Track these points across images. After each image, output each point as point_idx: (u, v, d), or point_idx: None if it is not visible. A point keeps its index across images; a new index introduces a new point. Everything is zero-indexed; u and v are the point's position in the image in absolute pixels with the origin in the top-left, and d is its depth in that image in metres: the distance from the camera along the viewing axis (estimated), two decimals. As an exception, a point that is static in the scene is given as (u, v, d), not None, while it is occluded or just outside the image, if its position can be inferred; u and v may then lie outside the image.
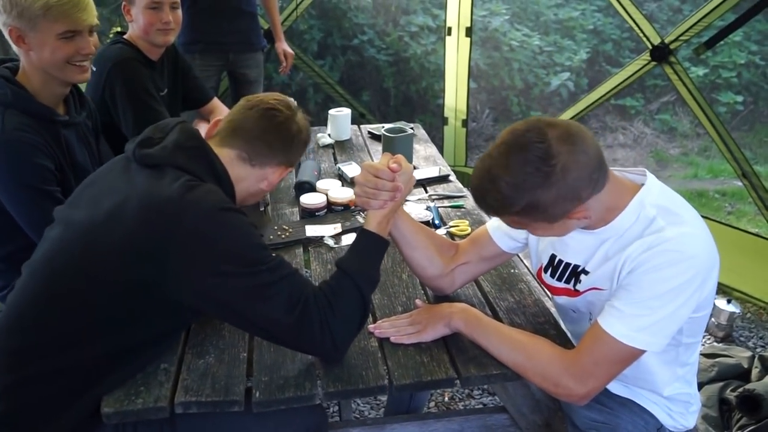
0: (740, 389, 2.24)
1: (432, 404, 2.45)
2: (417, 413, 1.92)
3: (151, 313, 1.24)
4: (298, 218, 1.97)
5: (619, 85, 3.36)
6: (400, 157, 1.38)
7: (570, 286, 1.38)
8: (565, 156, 1.15)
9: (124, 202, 1.23)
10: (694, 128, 5.41)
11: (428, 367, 1.30)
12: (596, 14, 5.77)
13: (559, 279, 1.40)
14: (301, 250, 1.78)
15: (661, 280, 1.18)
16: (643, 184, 1.28)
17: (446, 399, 2.48)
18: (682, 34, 3.00)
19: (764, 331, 2.91)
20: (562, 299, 1.43)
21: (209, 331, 1.41)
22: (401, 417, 1.72)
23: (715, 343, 2.79)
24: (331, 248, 1.79)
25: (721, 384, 2.35)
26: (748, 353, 2.53)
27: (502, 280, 1.63)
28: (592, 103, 3.52)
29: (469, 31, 3.63)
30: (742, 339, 2.85)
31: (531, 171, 1.15)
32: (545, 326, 1.45)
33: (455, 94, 3.79)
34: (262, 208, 1.80)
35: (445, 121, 3.89)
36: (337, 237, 1.83)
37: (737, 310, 2.83)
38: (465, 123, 3.85)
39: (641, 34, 3.15)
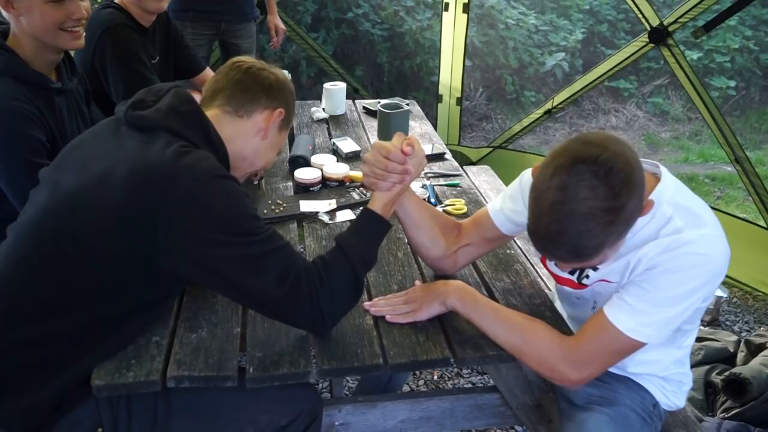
0: (726, 373, 2.26)
1: (421, 382, 2.46)
2: (395, 393, 1.91)
3: (141, 281, 1.22)
4: (292, 193, 1.94)
5: (615, 66, 3.33)
6: (413, 138, 1.35)
7: (574, 278, 1.38)
8: (625, 196, 1.09)
9: (114, 167, 1.19)
10: (686, 112, 5.41)
11: (424, 347, 1.29)
12: (593, -6, 5.69)
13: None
14: (296, 225, 1.76)
15: (679, 282, 1.18)
16: (657, 179, 1.26)
17: (435, 377, 2.49)
18: (681, 16, 2.98)
19: (750, 315, 2.94)
20: (567, 288, 1.42)
21: (202, 305, 1.39)
22: (393, 395, 1.72)
23: (701, 327, 2.82)
24: (326, 224, 1.76)
25: (707, 367, 2.38)
26: (734, 337, 2.55)
27: (498, 260, 1.62)
28: (588, 85, 3.50)
29: (466, 7, 3.57)
30: (728, 323, 2.88)
31: (599, 227, 1.09)
32: (541, 308, 1.44)
33: (450, 72, 3.75)
34: (255, 182, 1.77)
35: (439, 98, 3.85)
36: (331, 213, 1.81)
37: (724, 295, 2.86)
38: (459, 101, 3.82)
39: (640, 16, 3.12)
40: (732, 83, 5.37)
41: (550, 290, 1.70)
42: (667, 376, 1.41)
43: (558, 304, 1.55)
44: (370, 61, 4.50)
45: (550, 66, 5.06)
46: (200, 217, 1.15)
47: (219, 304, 1.40)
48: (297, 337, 1.30)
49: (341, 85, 2.66)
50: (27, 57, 1.65)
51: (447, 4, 3.60)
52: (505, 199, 1.46)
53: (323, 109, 2.63)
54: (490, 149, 3.86)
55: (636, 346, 1.21)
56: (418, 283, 1.49)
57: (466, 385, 2.47)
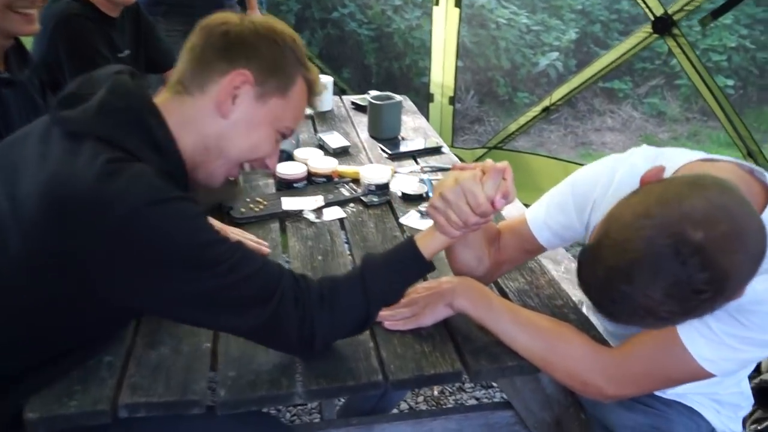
0: (756, 380, 2.06)
1: (420, 399, 2.24)
2: (393, 413, 1.69)
3: (84, 321, 0.99)
4: (274, 191, 1.73)
5: (619, 57, 3.16)
6: (508, 187, 1.03)
7: None
8: (720, 281, 0.85)
9: (32, 186, 0.93)
10: (683, 112, 5.28)
11: (430, 359, 1.08)
12: (584, -6, 5.57)
13: None
14: (278, 225, 1.55)
15: None
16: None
17: (436, 393, 2.27)
18: (686, 4, 2.82)
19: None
20: None
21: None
22: (392, 416, 1.51)
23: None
24: (312, 223, 1.56)
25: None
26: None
27: (510, 258, 1.41)
28: (589, 79, 3.33)
29: (458, 2, 3.40)
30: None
31: (683, 308, 0.88)
32: (564, 310, 1.24)
33: (442, 69, 3.57)
34: (232, 177, 1.56)
35: (430, 98, 3.67)
36: (318, 211, 1.60)
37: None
38: (452, 101, 3.63)
39: (643, 5, 2.96)
40: (730, 82, 5.24)
41: (575, 295, 1.49)
42: (723, 399, 1.20)
43: (591, 316, 1.34)
44: (358, 62, 4.33)
45: (544, 66, 4.90)
46: (141, 257, 0.90)
47: (186, 314, 1.18)
48: (279, 353, 1.08)
49: (327, 79, 2.46)
50: None
51: (438, -1, 3.43)
52: (550, 209, 1.20)
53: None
54: (485, 150, 3.68)
55: (702, 377, 1.01)
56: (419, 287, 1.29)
57: (469, 401, 2.25)
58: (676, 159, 1.06)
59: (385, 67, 4.31)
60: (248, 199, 1.62)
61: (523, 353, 1.09)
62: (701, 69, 2.85)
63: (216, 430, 1.06)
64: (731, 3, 2.73)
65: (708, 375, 1.00)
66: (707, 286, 0.83)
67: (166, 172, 0.97)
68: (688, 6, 2.82)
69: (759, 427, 1.97)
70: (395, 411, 1.93)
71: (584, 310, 1.35)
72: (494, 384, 2.30)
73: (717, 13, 2.73)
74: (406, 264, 1.08)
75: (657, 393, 1.20)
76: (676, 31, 2.86)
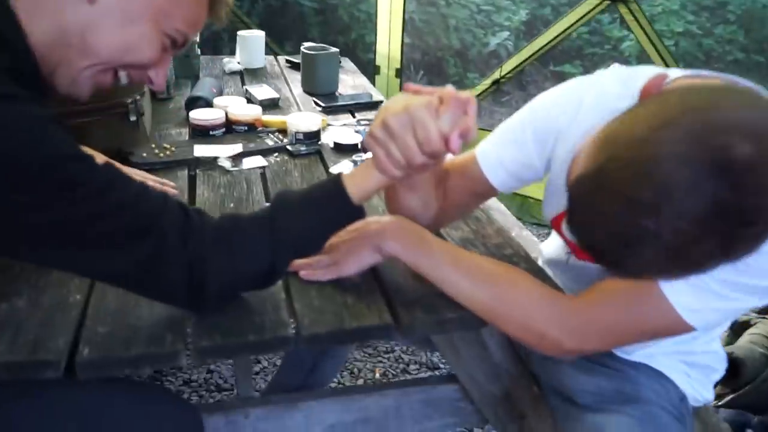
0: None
1: (360, 382, 2.05)
2: (322, 389, 1.48)
3: None
4: (187, 138, 1.51)
5: (572, 26, 3.05)
6: (469, 124, 0.81)
7: None
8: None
9: None
10: (632, 98, 5.24)
11: (353, 310, 0.89)
12: (535, -23, 5.47)
13: None
14: (186, 173, 1.33)
15: None
16: None
17: (377, 375, 2.08)
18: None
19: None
20: (591, 265, 0.99)
21: (29, 264, 0.95)
22: (319, 392, 1.32)
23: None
24: (227, 171, 1.34)
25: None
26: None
27: (453, 207, 1.23)
28: (540, 49, 3.20)
29: (404, -33, 3.22)
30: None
31: (725, 246, 0.66)
32: (514, 259, 1.07)
33: (388, 41, 3.39)
34: (133, 118, 1.34)
35: (376, 70, 3.48)
36: (236, 159, 1.39)
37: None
38: (399, 73, 3.45)
39: (596, -31, 2.84)
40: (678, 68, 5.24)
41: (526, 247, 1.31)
42: (695, 360, 1.04)
43: (548, 269, 1.17)
44: (301, 37, 4.08)
45: (494, 46, 4.77)
46: None
47: (56, 264, 0.96)
48: (167, 305, 0.87)
49: (259, 33, 2.25)
50: None
51: (383, -36, 3.24)
52: (504, 145, 1.02)
53: (238, 62, 2.21)
54: (434, 126, 3.51)
55: (680, 330, 0.83)
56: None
57: (414, 383, 2.08)
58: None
59: (329, 42, 4.08)
60: (153, 145, 1.39)
61: (467, 303, 0.90)
62: (654, 38, 2.75)
63: (81, 405, 0.85)
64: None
65: (688, 328, 0.83)
66: (759, 215, 0.63)
67: (12, 71, 0.74)
68: (642, -29, 2.72)
69: (720, 403, 1.86)
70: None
71: (540, 262, 1.18)
72: (441, 365, 2.13)
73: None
74: (328, 206, 0.86)
75: (621, 354, 1.04)
76: (629, -3, 2.76)
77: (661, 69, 0.91)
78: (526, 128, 1.00)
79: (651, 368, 1.04)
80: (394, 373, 2.11)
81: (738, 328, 2.16)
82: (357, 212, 0.88)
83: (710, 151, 0.62)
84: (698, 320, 0.82)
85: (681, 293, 0.81)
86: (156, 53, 0.85)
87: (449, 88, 0.82)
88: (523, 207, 2.99)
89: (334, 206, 0.86)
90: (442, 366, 2.13)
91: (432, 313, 0.90)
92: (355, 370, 2.09)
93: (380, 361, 2.14)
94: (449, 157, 1.00)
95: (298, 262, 0.94)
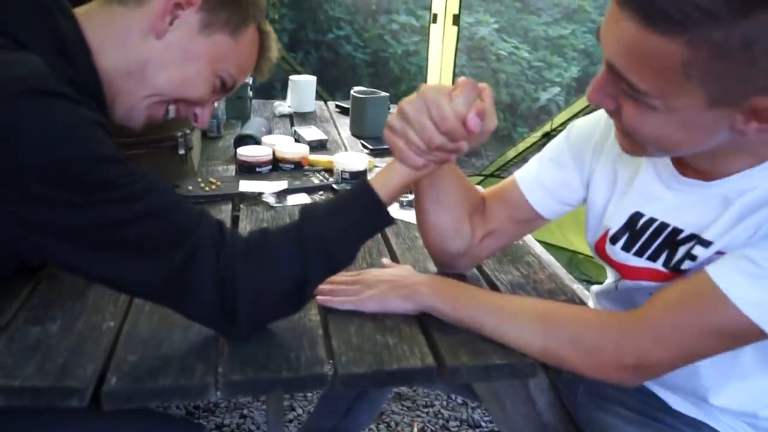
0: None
1: (397, 436, 1.96)
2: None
3: None
4: (233, 174, 1.51)
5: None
6: (486, 103, 0.81)
7: (659, 265, 0.88)
8: None
9: None
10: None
11: (394, 352, 0.83)
12: (587, 35, 5.50)
13: (641, 253, 0.90)
14: (230, 207, 1.32)
15: None
16: None
17: (415, 430, 1.99)
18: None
19: None
20: (643, 284, 0.91)
21: (66, 288, 0.93)
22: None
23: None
24: (271, 207, 1.32)
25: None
26: None
27: (502, 251, 1.17)
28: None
29: (456, 19, 3.25)
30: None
31: None
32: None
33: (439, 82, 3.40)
34: (182, 151, 1.34)
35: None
36: (280, 195, 1.37)
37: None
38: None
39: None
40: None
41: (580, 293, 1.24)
42: (761, 425, 0.93)
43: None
44: (352, 87, 4.18)
45: (545, 101, 4.76)
46: (5, 160, 0.67)
47: (95, 288, 0.94)
48: (201, 333, 0.84)
49: (310, 78, 2.28)
50: None
51: (435, 16, 3.28)
52: (543, 165, 0.99)
53: (288, 106, 2.23)
54: (482, 177, 3.47)
55: (749, 333, 0.74)
56: (385, 261, 1.05)
57: (454, 441, 1.97)
58: None
59: (380, 93, 4.17)
60: (199, 179, 1.39)
61: (514, 343, 0.84)
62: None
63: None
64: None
65: (753, 328, 0.73)
66: None
67: (76, 85, 0.76)
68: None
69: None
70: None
71: (591, 303, 1.11)
72: (483, 423, 2.02)
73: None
74: (355, 205, 0.82)
75: (681, 411, 0.95)
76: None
77: None
78: (563, 148, 0.99)
79: (710, 428, 0.94)
80: (433, 429, 2.01)
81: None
82: (386, 215, 0.83)
83: None
84: (762, 316, 0.72)
85: (738, 286, 0.73)
86: (208, 92, 0.91)
87: (463, 78, 0.82)
88: (572, 262, 2.89)
89: (360, 204, 0.83)
90: (483, 424, 2.02)
91: (478, 358, 0.83)
92: (393, 423, 2.00)
93: (418, 416, 2.05)
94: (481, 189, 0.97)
95: (322, 286, 0.89)
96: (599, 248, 0.98)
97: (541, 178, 0.99)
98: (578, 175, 0.97)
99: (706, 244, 0.81)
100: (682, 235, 0.85)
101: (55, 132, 0.68)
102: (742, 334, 0.74)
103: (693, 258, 0.83)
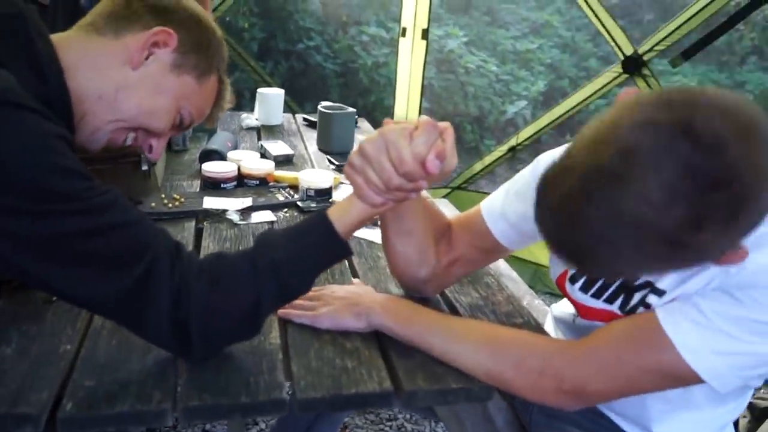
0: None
1: (360, 451, 1.97)
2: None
3: None
4: (198, 190, 1.50)
5: (587, 99, 3.07)
6: (445, 145, 0.81)
7: (615, 308, 0.91)
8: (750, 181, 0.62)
9: None
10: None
11: (353, 376, 0.84)
12: (553, 50, 5.59)
13: (598, 295, 0.93)
14: (193, 224, 1.31)
15: None
16: None
17: (379, 444, 2.00)
18: (656, 44, 2.74)
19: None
20: (598, 324, 0.93)
21: (23, 309, 0.92)
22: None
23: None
24: (236, 224, 1.32)
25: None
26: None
27: (463, 272, 1.19)
28: (556, 119, 3.22)
29: (425, 33, 3.30)
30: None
31: (694, 214, 0.62)
32: (524, 329, 1.02)
33: (407, 104, 3.44)
34: (145, 167, 1.33)
35: (393, 132, 3.51)
36: (244, 212, 1.37)
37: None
38: (416, 136, 3.48)
39: (613, 44, 2.88)
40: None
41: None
42: None
43: (550, 332, 1.13)
44: (321, 98, 4.16)
45: (512, 114, 4.82)
46: None
47: (53, 310, 0.93)
48: (159, 358, 0.84)
49: (278, 91, 2.28)
50: None
51: (405, 29, 3.32)
52: (508, 198, 1.01)
53: (256, 119, 2.23)
54: (448, 190, 3.51)
55: (686, 377, 0.77)
56: (355, 281, 1.07)
57: (416, 455, 1.99)
58: None
59: (349, 103, 4.15)
60: (163, 195, 1.38)
61: (469, 368, 0.86)
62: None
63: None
64: (702, 43, 2.66)
65: (692, 374, 0.76)
66: (730, 175, 0.59)
67: (45, 101, 0.77)
68: (659, 46, 2.74)
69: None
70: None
71: (548, 321, 1.14)
72: (445, 436, 2.04)
73: (688, 54, 2.65)
74: (311, 234, 0.84)
75: (627, 430, 0.98)
76: (646, 71, 2.77)
77: None
78: (529, 181, 0.99)
79: None
80: (396, 441, 2.02)
81: (759, 414, 2.06)
82: (342, 245, 0.85)
83: (677, 119, 0.60)
84: (700, 363, 0.76)
85: (682, 331, 0.76)
86: (168, 125, 0.95)
87: (424, 117, 0.83)
88: (536, 275, 2.94)
89: (317, 236, 0.84)
90: (447, 438, 2.04)
91: (435, 383, 0.85)
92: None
93: (382, 429, 2.06)
94: (451, 213, 0.98)
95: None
96: (560, 284, 1.01)
97: (505, 211, 1.00)
98: None
99: (659, 293, 0.84)
100: (637, 282, 0.87)
101: (21, 143, 0.69)
102: (680, 376, 0.77)
103: (647, 306, 0.86)
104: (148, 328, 0.77)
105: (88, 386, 0.79)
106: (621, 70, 2.86)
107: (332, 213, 0.84)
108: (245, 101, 4.11)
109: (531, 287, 2.14)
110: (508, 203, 1.00)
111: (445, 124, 0.82)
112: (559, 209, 0.67)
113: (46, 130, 0.73)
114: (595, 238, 0.65)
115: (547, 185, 0.70)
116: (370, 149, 0.80)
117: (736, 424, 1.14)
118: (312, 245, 0.83)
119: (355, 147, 0.86)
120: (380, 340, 0.93)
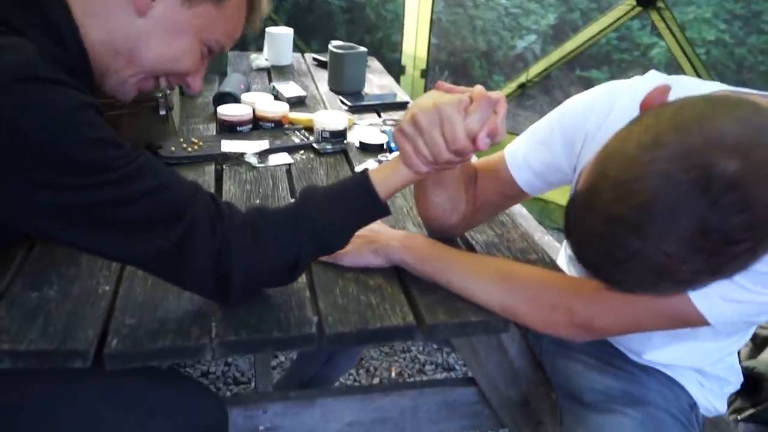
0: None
1: (376, 380, 2.06)
2: (340, 387, 1.48)
3: None
4: (214, 134, 1.52)
5: (600, 32, 3.02)
6: (498, 124, 0.82)
7: None
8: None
9: None
10: (659, 104, 5.18)
11: (377, 311, 0.89)
12: (564, -20, 5.43)
13: None
14: (213, 167, 1.34)
15: None
16: None
17: (393, 374, 2.09)
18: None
19: None
20: None
21: (59, 255, 0.97)
22: (338, 390, 1.32)
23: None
24: (254, 167, 1.35)
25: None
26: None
27: (478, 211, 1.23)
28: (568, 54, 3.18)
29: (433, -34, 3.22)
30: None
31: (712, 265, 0.65)
32: (539, 265, 1.06)
33: (415, 41, 3.39)
34: (163, 112, 1.35)
35: (402, 70, 3.48)
36: (262, 155, 1.40)
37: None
38: (424, 73, 3.45)
39: (626, -25, 2.82)
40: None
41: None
42: (709, 371, 1.03)
43: (573, 272, 1.17)
44: (328, 34, 4.11)
45: (521, 49, 4.74)
46: (4, 147, 0.69)
47: (85, 255, 0.98)
48: (194, 298, 0.89)
49: (287, 31, 2.26)
50: None
51: (412, -37, 3.24)
52: (532, 145, 1.01)
53: (266, 59, 2.22)
54: (458, 128, 3.50)
55: (693, 320, 0.81)
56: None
57: (430, 385, 2.08)
58: (691, 88, 0.83)
59: (356, 41, 4.09)
60: (182, 140, 1.41)
61: (486, 302, 0.91)
62: (687, 48, 2.72)
63: (113, 391, 0.86)
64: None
65: (701, 319, 0.80)
66: (746, 233, 0.61)
67: (65, 65, 0.77)
68: (674, -23, 2.68)
69: (739, 417, 1.83)
70: (339, 384, 1.74)
71: (562, 264, 1.18)
72: (457, 366, 2.13)
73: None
74: (354, 199, 0.86)
75: (634, 357, 1.04)
76: (660, 3, 2.72)
77: (699, 81, 0.90)
78: (554, 129, 0.99)
79: (663, 374, 1.03)
80: (409, 372, 2.11)
81: (760, 343, 2.13)
82: (383, 208, 0.87)
83: (693, 170, 0.61)
84: (710, 310, 0.80)
85: None
86: (197, 63, 0.91)
87: (479, 88, 0.83)
88: (544, 212, 2.97)
89: (360, 200, 0.86)
90: (457, 368, 2.13)
91: (455, 316, 0.90)
92: (371, 368, 2.09)
93: (396, 360, 2.15)
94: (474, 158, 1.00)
95: None
96: None
97: (529, 161, 1.01)
98: (567, 159, 0.98)
99: None
100: None
101: (50, 118, 0.69)
102: (688, 319, 0.81)
103: None
104: (189, 283, 0.82)
105: (129, 324, 0.84)
106: (635, 3, 2.81)
107: (375, 176, 0.86)
108: (249, 40, 4.06)
109: (540, 223, 2.18)
110: (533, 153, 1.00)
111: (497, 95, 0.82)
112: (588, 241, 0.69)
113: (74, 101, 0.72)
114: (622, 270, 0.67)
115: (574, 220, 0.71)
116: (423, 121, 0.80)
117: (738, 351, 1.20)
118: (354, 209, 0.86)
119: (405, 113, 0.84)
120: (401, 277, 0.98)
